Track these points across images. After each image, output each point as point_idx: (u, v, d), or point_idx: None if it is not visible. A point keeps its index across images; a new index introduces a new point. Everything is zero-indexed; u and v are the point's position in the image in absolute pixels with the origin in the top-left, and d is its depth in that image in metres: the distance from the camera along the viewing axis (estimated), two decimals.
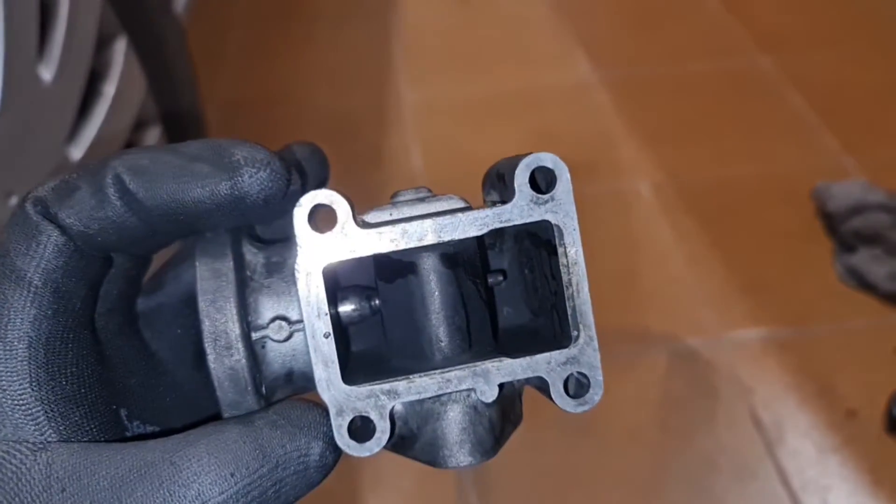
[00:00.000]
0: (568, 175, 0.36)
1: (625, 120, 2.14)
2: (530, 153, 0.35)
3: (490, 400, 0.35)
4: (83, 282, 0.34)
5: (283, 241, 0.38)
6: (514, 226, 0.35)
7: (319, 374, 0.33)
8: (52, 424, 0.32)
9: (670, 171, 1.97)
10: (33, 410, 0.32)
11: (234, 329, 0.36)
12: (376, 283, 0.38)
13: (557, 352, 0.35)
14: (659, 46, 2.42)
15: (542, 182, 0.36)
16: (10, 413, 0.31)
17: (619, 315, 1.65)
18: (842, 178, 1.87)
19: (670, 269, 1.74)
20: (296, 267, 0.33)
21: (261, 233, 0.40)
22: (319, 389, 0.33)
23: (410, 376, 0.34)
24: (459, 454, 0.36)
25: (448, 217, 0.34)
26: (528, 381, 0.36)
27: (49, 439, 0.31)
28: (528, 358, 0.34)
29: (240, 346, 0.36)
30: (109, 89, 1.14)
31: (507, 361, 0.34)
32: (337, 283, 0.39)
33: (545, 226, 0.36)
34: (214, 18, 2.42)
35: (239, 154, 0.33)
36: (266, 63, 2.41)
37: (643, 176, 1.96)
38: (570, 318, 0.35)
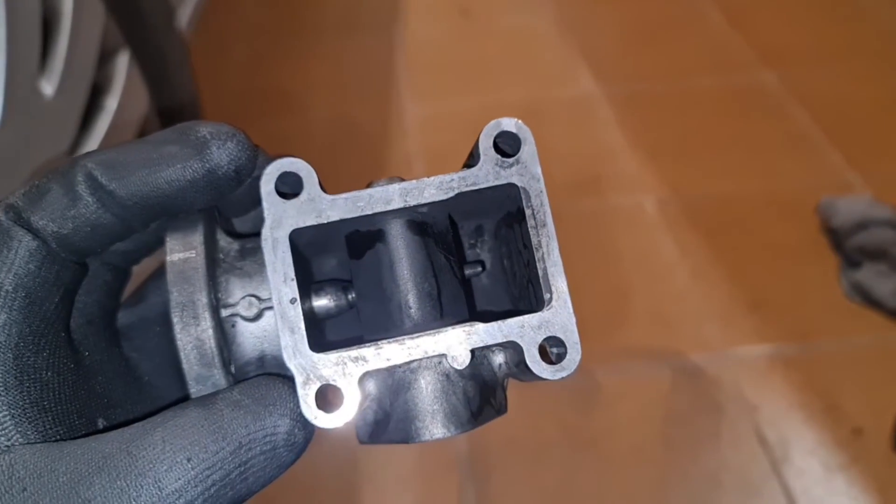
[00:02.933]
0: (532, 138, 0.35)
1: (628, 135, 2.14)
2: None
3: (462, 366, 0.33)
4: (56, 287, 0.34)
5: (258, 234, 0.38)
6: (480, 190, 0.35)
7: (286, 341, 0.32)
8: (19, 429, 0.31)
9: (674, 186, 1.96)
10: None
11: (202, 299, 0.35)
12: (350, 265, 0.38)
13: (530, 315, 0.34)
14: (663, 61, 2.42)
15: (508, 147, 0.35)
16: None
17: (622, 331, 1.64)
18: (847, 194, 1.86)
19: (674, 285, 1.73)
20: (262, 233, 0.33)
21: (238, 228, 0.40)
22: (286, 357, 0.32)
23: (379, 342, 0.33)
24: (432, 425, 0.35)
25: (414, 182, 0.34)
26: (503, 349, 0.35)
27: (15, 443, 0.31)
28: (499, 322, 0.33)
29: (206, 315, 0.35)
30: (111, 103, 1.14)
31: (479, 325, 0.33)
32: (311, 277, 0.38)
33: (516, 200, 0.36)
34: (218, 33, 2.43)
35: (204, 130, 0.34)
36: (269, 76, 2.41)
37: (647, 191, 1.95)
38: (541, 281, 0.35)
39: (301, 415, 0.32)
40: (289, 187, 0.34)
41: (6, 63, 0.86)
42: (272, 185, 0.34)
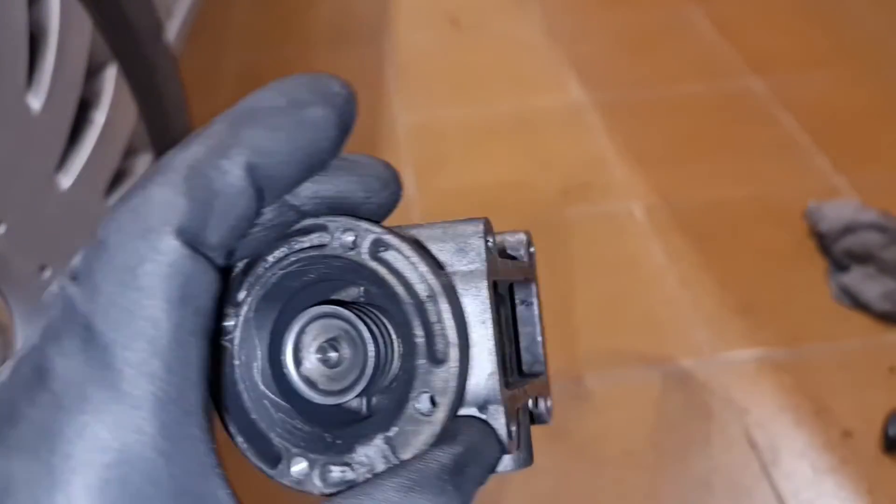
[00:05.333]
0: None
1: (617, 142, 2.15)
2: None
3: None
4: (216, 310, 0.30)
5: None
6: None
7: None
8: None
9: (663, 192, 1.97)
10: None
11: None
12: None
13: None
14: (651, 69, 2.44)
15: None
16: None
17: (612, 337, 1.64)
18: (834, 198, 1.87)
19: (664, 291, 1.74)
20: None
21: None
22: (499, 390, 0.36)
23: None
24: None
25: None
26: None
27: None
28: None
29: None
30: (100, 117, 1.14)
31: None
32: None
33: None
34: (207, 45, 2.44)
35: (337, 87, 0.32)
36: (257, 87, 2.42)
37: (636, 198, 1.96)
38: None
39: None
40: None
41: None
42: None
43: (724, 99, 2.29)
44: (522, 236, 0.45)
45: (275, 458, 0.33)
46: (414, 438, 0.32)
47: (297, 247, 0.34)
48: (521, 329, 0.45)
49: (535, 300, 0.44)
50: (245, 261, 0.34)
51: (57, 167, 1.04)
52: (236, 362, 0.34)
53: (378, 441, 0.32)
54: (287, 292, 0.34)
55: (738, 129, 2.18)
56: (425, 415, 0.32)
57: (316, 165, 0.32)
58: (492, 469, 0.33)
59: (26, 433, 0.27)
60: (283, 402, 0.34)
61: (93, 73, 1.14)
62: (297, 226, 0.34)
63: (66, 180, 1.05)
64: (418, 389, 0.33)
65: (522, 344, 0.44)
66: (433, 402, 0.32)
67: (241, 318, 0.34)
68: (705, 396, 1.54)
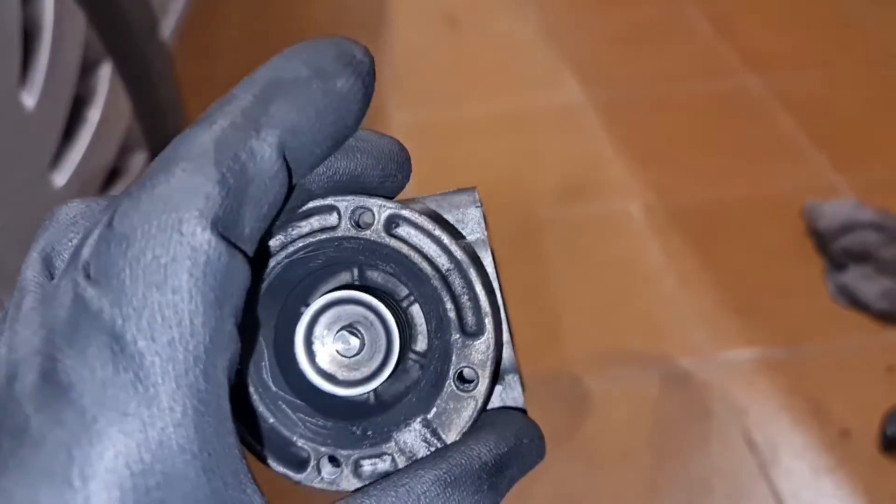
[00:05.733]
0: None
1: (615, 141, 2.14)
2: None
3: None
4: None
5: None
6: None
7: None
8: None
9: (660, 191, 1.97)
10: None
11: None
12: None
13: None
14: (648, 68, 2.43)
15: None
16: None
17: (611, 337, 1.64)
18: (832, 197, 1.87)
19: (662, 290, 1.74)
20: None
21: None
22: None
23: None
24: None
25: None
26: None
27: None
28: None
29: None
30: (94, 115, 1.13)
31: None
32: None
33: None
34: (202, 43, 2.43)
35: (360, 54, 0.30)
36: None
37: (633, 197, 1.96)
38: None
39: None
40: None
41: None
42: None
43: (721, 97, 2.29)
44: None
45: (302, 462, 0.31)
46: (457, 417, 0.31)
47: (302, 232, 0.32)
48: None
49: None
50: None
51: (51, 165, 1.03)
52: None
53: (417, 425, 0.31)
54: (290, 283, 0.33)
55: (736, 127, 2.18)
56: (467, 390, 0.32)
57: (340, 142, 0.30)
58: (529, 470, 0.33)
59: (52, 456, 0.24)
60: (299, 401, 0.32)
61: (87, 70, 1.14)
62: (300, 210, 0.32)
63: (60, 178, 1.04)
64: (457, 365, 0.32)
65: None
66: (473, 376, 0.32)
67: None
68: (704, 396, 1.53)
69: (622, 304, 1.71)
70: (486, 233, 0.35)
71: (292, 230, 0.32)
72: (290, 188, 0.29)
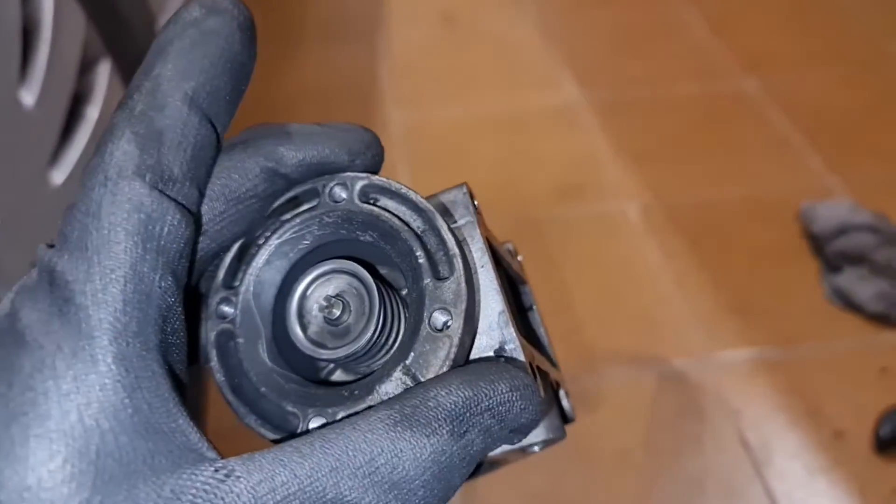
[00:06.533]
0: None
1: (611, 141, 2.15)
2: None
3: None
4: (190, 256, 0.31)
5: None
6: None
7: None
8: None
9: (657, 192, 1.97)
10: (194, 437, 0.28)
11: None
12: None
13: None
14: (646, 68, 2.44)
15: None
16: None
17: (607, 336, 1.64)
18: (827, 199, 1.88)
19: (658, 291, 1.74)
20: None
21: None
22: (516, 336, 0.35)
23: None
24: None
25: None
26: None
27: (233, 470, 0.27)
28: None
29: None
30: (93, 113, 1.13)
31: None
32: None
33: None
34: None
35: (224, 2, 0.34)
36: (252, 85, 2.40)
37: (630, 197, 1.96)
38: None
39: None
40: None
41: None
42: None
43: (717, 98, 2.30)
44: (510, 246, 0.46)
45: (290, 423, 0.32)
46: (433, 357, 0.32)
47: (287, 217, 0.34)
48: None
49: (533, 304, 0.45)
50: (239, 244, 0.34)
51: (50, 162, 1.03)
52: (240, 341, 0.34)
53: (397, 373, 0.32)
54: (284, 265, 0.35)
55: (732, 128, 2.18)
56: (440, 330, 0.32)
57: (238, 69, 0.33)
58: (514, 426, 0.31)
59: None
60: (294, 375, 0.34)
61: (86, 67, 1.14)
62: (283, 198, 0.35)
63: (59, 176, 1.04)
64: (430, 308, 0.32)
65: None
66: (446, 315, 0.32)
67: (241, 299, 0.34)
68: (698, 396, 1.54)
69: (618, 303, 1.72)
70: (475, 216, 0.36)
71: (279, 216, 0.35)
72: (215, 129, 0.32)
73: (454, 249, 0.33)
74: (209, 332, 0.34)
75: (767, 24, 2.61)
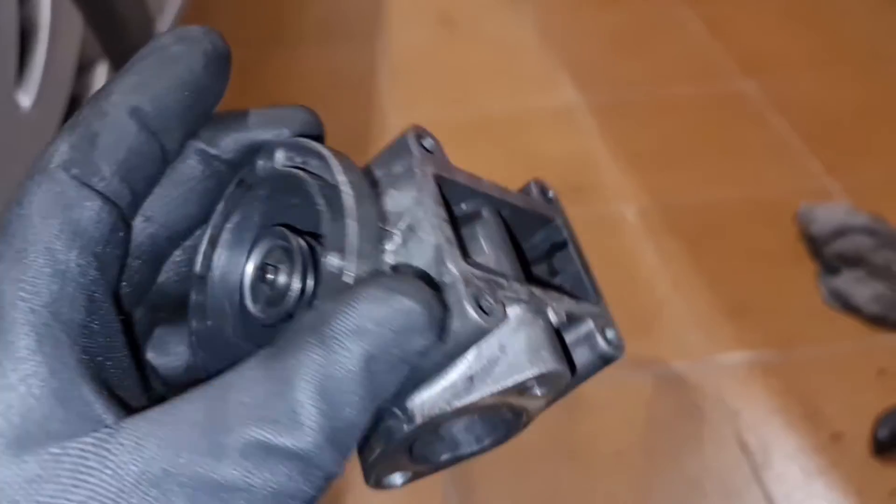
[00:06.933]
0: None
1: (610, 143, 2.15)
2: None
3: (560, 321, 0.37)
4: (123, 250, 0.32)
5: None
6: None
7: (441, 242, 0.33)
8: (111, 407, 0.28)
9: (655, 194, 1.97)
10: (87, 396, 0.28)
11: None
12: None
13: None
14: (644, 70, 2.44)
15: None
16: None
17: None
18: (825, 201, 1.88)
19: (656, 293, 1.74)
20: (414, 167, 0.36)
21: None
22: (446, 258, 0.33)
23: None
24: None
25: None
26: None
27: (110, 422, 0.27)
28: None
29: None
30: None
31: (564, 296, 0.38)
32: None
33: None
34: None
35: (196, 30, 0.35)
36: (250, 87, 2.41)
37: (628, 199, 1.97)
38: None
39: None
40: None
41: None
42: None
43: (716, 100, 2.30)
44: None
45: None
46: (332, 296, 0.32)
47: (236, 199, 0.36)
48: (560, 273, 0.45)
49: (567, 239, 0.44)
50: (207, 235, 0.36)
51: None
52: (210, 324, 0.35)
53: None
54: (242, 251, 0.36)
55: (731, 131, 2.19)
56: (335, 273, 0.31)
57: (198, 92, 0.34)
58: (400, 348, 0.29)
59: None
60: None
61: (83, 69, 1.14)
62: (233, 183, 0.36)
63: None
64: (327, 249, 0.32)
65: (567, 285, 0.45)
66: (337, 258, 0.32)
67: (210, 288, 0.35)
68: (697, 398, 1.54)
69: (616, 305, 1.70)
70: (414, 157, 0.37)
71: (232, 201, 0.36)
72: (162, 146, 0.33)
73: (341, 189, 0.32)
74: (189, 322, 0.36)
75: (766, 26, 2.61)
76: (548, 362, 0.34)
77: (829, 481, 1.39)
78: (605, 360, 0.40)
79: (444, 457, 0.39)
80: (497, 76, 2.45)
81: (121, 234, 0.31)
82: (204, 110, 0.35)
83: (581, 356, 0.40)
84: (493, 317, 0.32)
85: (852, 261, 1.69)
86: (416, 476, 0.39)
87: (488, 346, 0.33)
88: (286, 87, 2.39)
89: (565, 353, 0.38)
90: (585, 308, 0.40)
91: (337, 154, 0.34)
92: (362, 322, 0.28)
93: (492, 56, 2.55)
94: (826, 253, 1.73)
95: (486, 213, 0.39)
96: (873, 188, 1.92)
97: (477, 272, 0.33)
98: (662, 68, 2.44)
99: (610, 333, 0.40)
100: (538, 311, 0.35)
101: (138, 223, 0.33)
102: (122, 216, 0.32)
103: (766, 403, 1.52)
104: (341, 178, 0.33)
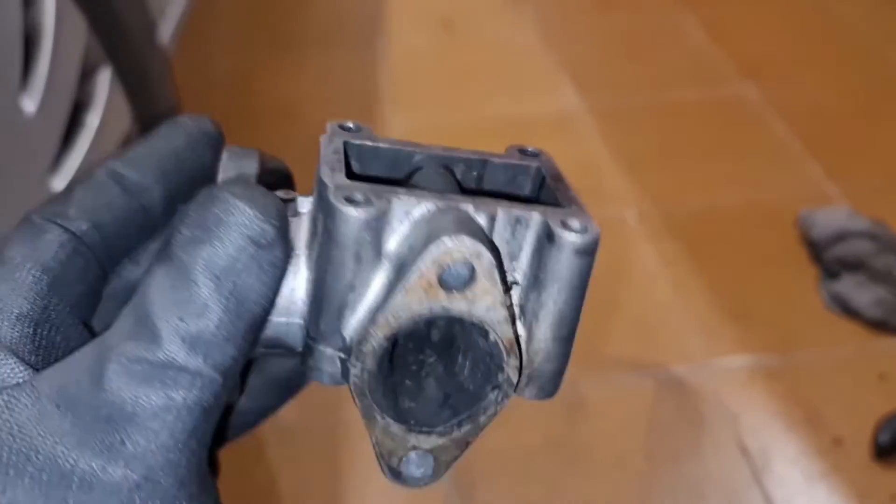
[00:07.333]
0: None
1: (611, 147, 2.15)
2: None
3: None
4: (82, 281, 0.34)
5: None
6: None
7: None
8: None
9: (656, 198, 1.98)
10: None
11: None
12: None
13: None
14: (644, 74, 2.44)
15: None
16: None
17: (605, 343, 1.64)
18: (825, 205, 1.88)
19: (656, 297, 1.75)
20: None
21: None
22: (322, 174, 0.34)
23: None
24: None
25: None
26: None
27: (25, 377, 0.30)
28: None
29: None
30: (93, 120, 1.14)
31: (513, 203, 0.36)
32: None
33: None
34: (200, 48, 2.43)
35: (184, 118, 0.41)
36: (252, 91, 2.41)
37: (629, 203, 1.97)
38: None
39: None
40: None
41: None
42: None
43: (716, 105, 2.30)
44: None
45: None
46: None
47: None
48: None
49: (544, 174, 0.43)
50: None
51: (50, 169, 1.04)
52: None
53: None
54: None
55: (731, 135, 2.19)
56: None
57: (179, 164, 0.38)
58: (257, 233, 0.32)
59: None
60: None
61: (87, 75, 1.14)
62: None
63: (59, 183, 1.05)
64: None
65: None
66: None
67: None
68: (697, 403, 1.54)
69: (616, 309, 1.72)
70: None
71: None
72: (139, 202, 0.36)
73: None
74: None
75: (766, 31, 2.61)
76: (446, 242, 0.31)
77: (830, 485, 1.40)
78: (578, 252, 0.35)
79: (444, 414, 0.36)
80: (498, 80, 2.46)
81: (81, 262, 0.34)
82: (183, 178, 0.38)
83: (551, 259, 0.35)
84: (364, 206, 0.31)
85: (853, 265, 1.70)
86: (436, 458, 0.36)
87: (398, 251, 0.33)
88: (288, 91, 2.40)
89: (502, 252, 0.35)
90: (546, 210, 0.36)
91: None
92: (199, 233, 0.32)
93: (492, 60, 2.56)
94: (826, 257, 1.74)
95: (427, 167, 0.41)
96: (874, 192, 1.93)
97: (358, 183, 0.33)
98: (663, 72, 2.44)
99: (574, 223, 0.35)
100: (452, 208, 0.33)
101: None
102: (86, 248, 0.34)
103: (767, 407, 1.52)
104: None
